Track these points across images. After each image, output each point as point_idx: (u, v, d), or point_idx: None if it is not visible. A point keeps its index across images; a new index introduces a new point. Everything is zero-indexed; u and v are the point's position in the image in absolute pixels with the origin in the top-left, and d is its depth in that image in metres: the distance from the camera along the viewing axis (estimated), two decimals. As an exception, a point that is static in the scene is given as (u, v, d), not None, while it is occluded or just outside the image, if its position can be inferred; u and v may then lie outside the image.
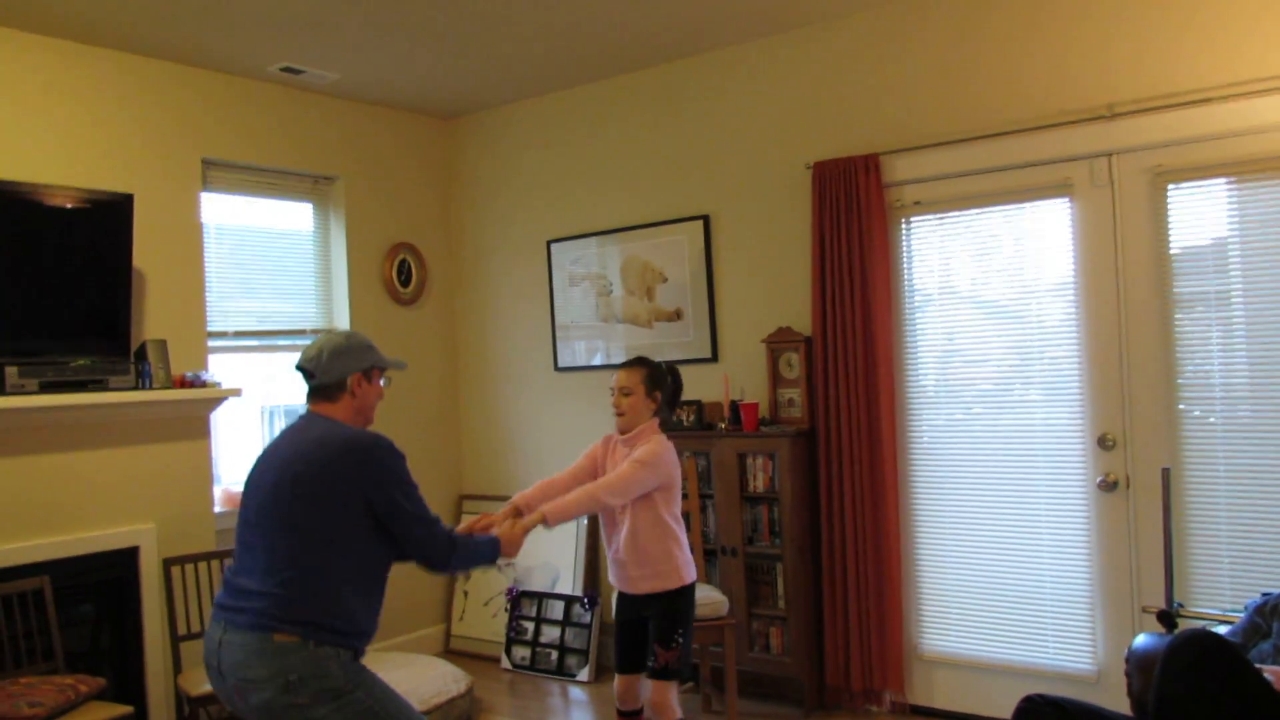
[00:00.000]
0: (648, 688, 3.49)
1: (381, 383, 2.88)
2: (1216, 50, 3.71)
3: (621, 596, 3.57)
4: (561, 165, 5.57)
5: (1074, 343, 4.04)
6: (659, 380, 3.54)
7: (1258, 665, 2.35)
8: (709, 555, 4.80)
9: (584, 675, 5.18)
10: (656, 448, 3.42)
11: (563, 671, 5.26)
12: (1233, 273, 3.73)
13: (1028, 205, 4.14)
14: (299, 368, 2.80)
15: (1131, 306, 3.91)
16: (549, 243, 5.60)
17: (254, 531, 2.63)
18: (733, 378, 4.88)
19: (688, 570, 3.49)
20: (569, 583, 5.38)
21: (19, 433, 3.96)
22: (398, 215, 5.76)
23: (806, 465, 4.58)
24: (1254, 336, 3.70)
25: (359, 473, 2.58)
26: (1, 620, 3.76)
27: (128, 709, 3.61)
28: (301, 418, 2.79)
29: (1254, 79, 3.63)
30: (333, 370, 2.74)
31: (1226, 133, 3.69)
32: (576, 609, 5.32)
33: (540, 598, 5.45)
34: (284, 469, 2.61)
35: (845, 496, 4.43)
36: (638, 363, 3.57)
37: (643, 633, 3.51)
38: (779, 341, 4.66)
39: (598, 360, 5.45)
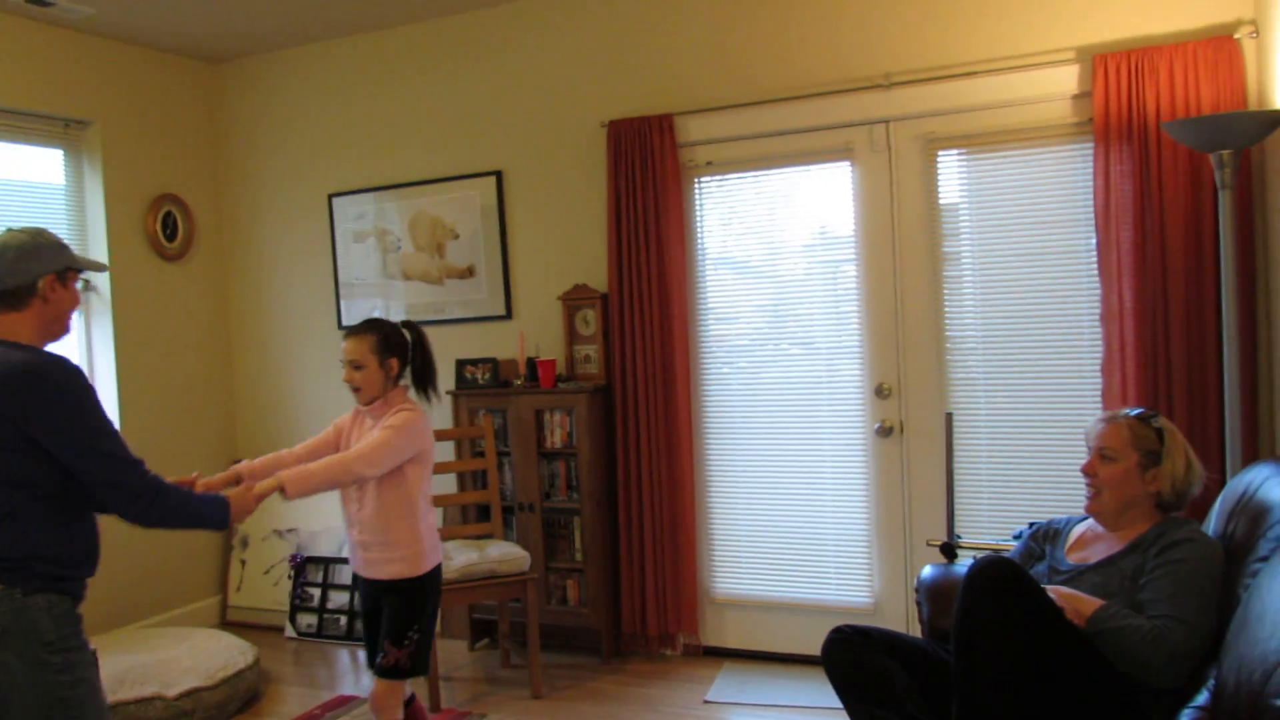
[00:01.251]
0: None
1: (78, 286, 2.48)
2: (985, 27, 4.03)
3: (362, 583, 3.27)
4: (345, 116, 5.36)
5: (854, 298, 4.32)
6: (393, 345, 3.19)
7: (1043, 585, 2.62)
8: (506, 511, 4.82)
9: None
10: (412, 415, 3.12)
11: (352, 637, 5.14)
12: (987, 233, 4.09)
13: (813, 167, 4.37)
14: None
15: (906, 264, 4.21)
16: (330, 196, 5.38)
17: None
18: (528, 335, 4.88)
19: (433, 555, 3.21)
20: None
21: None
22: (162, 164, 5.36)
23: (603, 420, 4.67)
24: (999, 291, 4.07)
25: (21, 401, 2.21)
26: None
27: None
28: None
29: (1013, 55, 3.98)
30: (20, 272, 2.33)
31: (989, 104, 4.03)
32: (367, 573, 5.19)
33: (327, 563, 5.29)
34: None
35: (641, 450, 4.55)
36: (366, 328, 3.19)
37: (389, 626, 3.16)
38: (575, 298, 4.71)
39: (379, 315, 5.29)
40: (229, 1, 4.70)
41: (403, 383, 3.25)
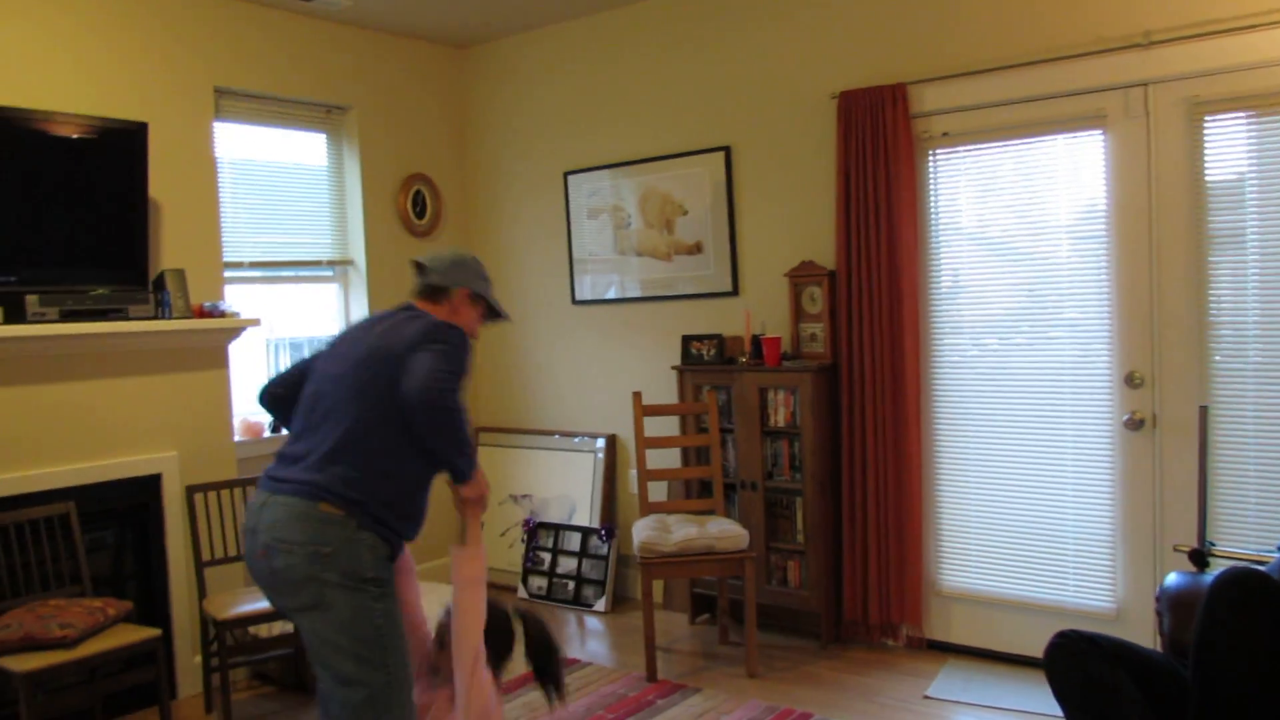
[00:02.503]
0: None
1: (483, 316, 2.89)
2: (1261, -23, 3.60)
3: None
4: (579, 95, 5.48)
5: (1103, 279, 3.98)
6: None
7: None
8: (728, 489, 4.81)
9: (600, 605, 5.22)
10: None
11: (579, 602, 5.30)
12: (1269, 209, 3.66)
13: (1059, 137, 4.05)
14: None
15: (1163, 242, 3.84)
16: (566, 174, 5.52)
17: (323, 405, 2.60)
18: (754, 312, 4.83)
19: None
20: (586, 514, 5.40)
21: (41, 361, 3.95)
22: (412, 146, 5.68)
23: (828, 400, 4.56)
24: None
25: (426, 338, 2.55)
26: (30, 544, 3.79)
27: (156, 631, 3.65)
28: (401, 307, 2.79)
29: (1299, 7, 3.53)
30: (448, 275, 2.80)
31: (1266, 62, 3.59)
32: (594, 540, 5.34)
33: (557, 529, 5.48)
34: (376, 344, 2.59)
35: (867, 431, 4.41)
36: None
37: None
38: (802, 275, 4.61)
39: (613, 294, 5.40)
40: None
41: None
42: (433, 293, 2.80)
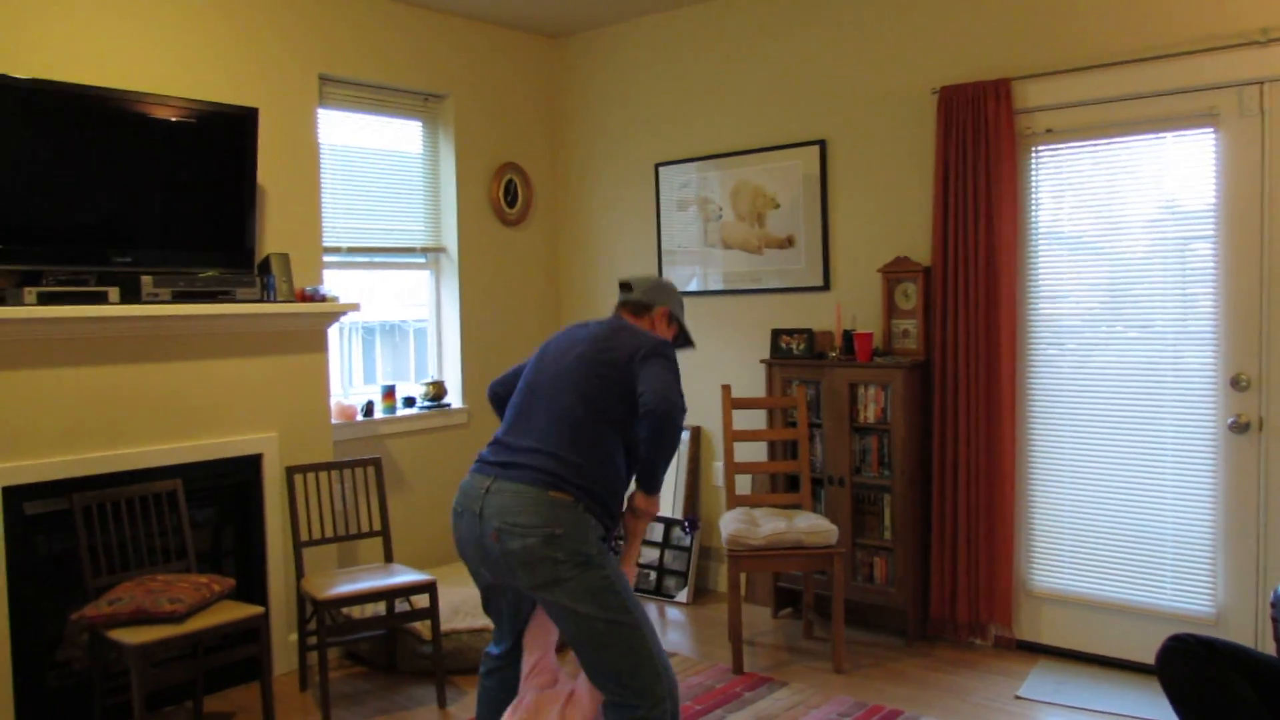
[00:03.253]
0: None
1: (674, 340, 3.12)
2: (1389, -27, 3.51)
3: None
4: (671, 87, 5.50)
5: (1210, 279, 3.92)
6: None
7: None
8: (815, 484, 4.81)
9: (682, 596, 5.25)
10: None
11: (661, 592, 5.33)
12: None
13: (1168, 135, 3.99)
14: (625, 282, 3.13)
15: (1275, 243, 3.77)
16: (657, 166, 5.55)
17: (542, 398, 2.82)
18: (845, 307, 4.82)
19: None
20: (669, 506, 5.43)
21: (154, 340, 4.06)
22: (505, 135, 5.74)
23: (920, 397, 4.53)
24: None
25: (648, 352, 2.78)
26: (140, 520, 3.90)
27: (259, 609, 3.73)
28: (616, 316, 3.08)
29: None
30: (651, 294, 3.09)
31: (1394, 61, 3.51)
32: (676, 532, 5.37)
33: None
34: (594, 346, 2.83)
35: (959, 430, 4.38)
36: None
37: None
38: (896, 271, 4.59)
39: (702, 286, 5.41)
40: None
41: None
42: (636, 309, 3.09)
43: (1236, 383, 3.87)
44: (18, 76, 3.69)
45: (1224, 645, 2.63)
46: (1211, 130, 3.89)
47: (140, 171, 4.01)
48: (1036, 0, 4.25)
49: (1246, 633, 3.85)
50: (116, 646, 3.42)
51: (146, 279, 3.94)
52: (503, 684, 2.99)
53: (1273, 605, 2.94)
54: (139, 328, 3.98)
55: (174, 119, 4.08)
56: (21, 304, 3.62)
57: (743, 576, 5.19)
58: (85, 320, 3.77)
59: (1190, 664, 2.61)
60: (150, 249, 4.05)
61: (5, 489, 3.64)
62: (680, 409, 2.68)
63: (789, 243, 5.05)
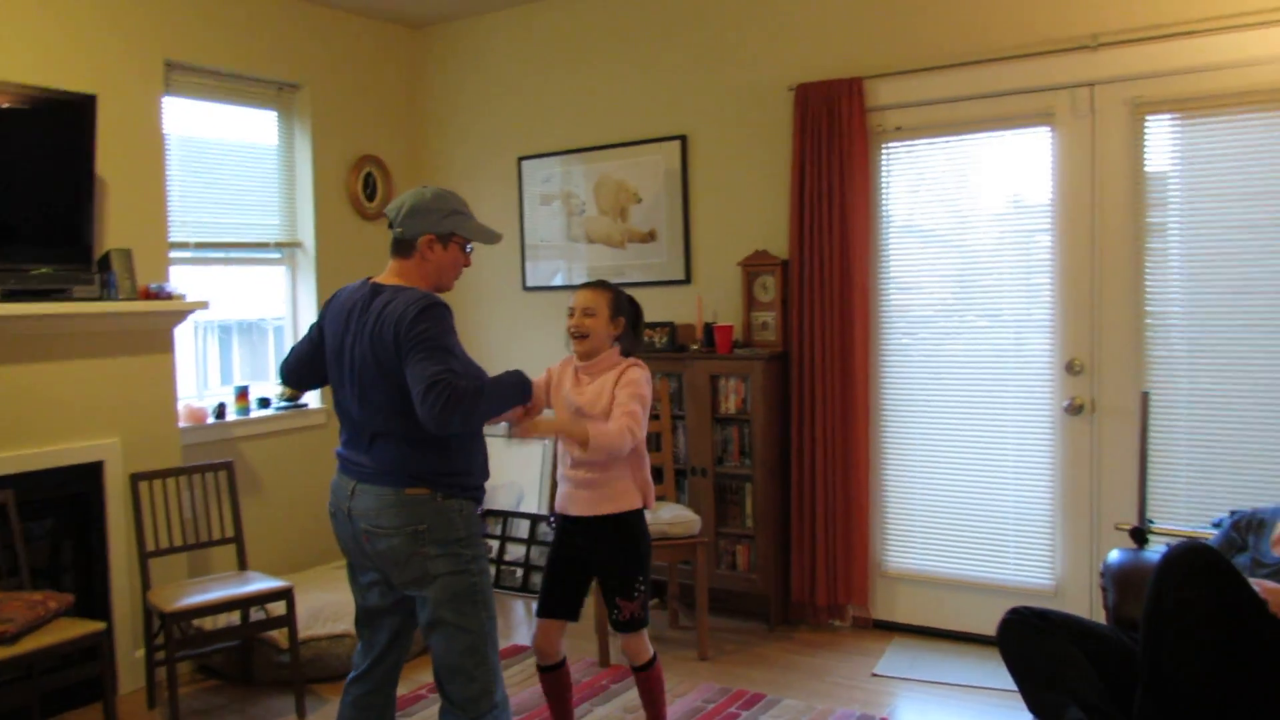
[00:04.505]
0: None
1: (467, 249, 2.79)
2: (1201, -17, 3.76)
3: (566, 522, 3.27)
4: (535, 80, 5.47)
5: (1047, 269, 4.13)
6: (622, 307, 3.26)
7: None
8: (679, 475, 4.86)
9: (550, 592, 5.23)
10: (643, 369, 3.19)
11: (527, 589, 5.31)
12: (1199, 204, 3.83)
13: (1009, 133, 4.19)
14: (387, 213, 2.77)
15: (1105, 235, 4.00)
16: (520, 159, 5.52)
17: (352, 398, 2.69)
18: (706, 300, 4.89)
19: (644, 497, 3.23)
20: (534, 502, 5.41)
21: (-20, 341, 3.83)
22: (364, 127, 5.61)
23: (779, 387, 4.64)
24: (1212, 264, 3.82)
25: (403, 332, 2.54)
26: (-32, 532, 3.67)
27: (100, 625, 3.54)
28: (362, 285, 2.74)
29: (1235, 13, 3.69)
30: (409, 226, 2.69)
31: (1205, 66, 3.76)
32: (542, 528, 5.35)
33: (505, 516, 5.47)
34: (363, 352, 2.62)
35: (816, 418, 4.50)
36: (600, 285, 3.27)
37: (583, 572, 3.28)
38: (755, 264, 4.68)
39: (564, 280, 5.42)
40: None
41: (615, 345, 3.27)
42: (399, 247, 2.72)
43: (1071, 367, 4.09)
44: None
45: (1057, 616, 2.77)
46: (1048, 129, 4.10)
47: None
48: (889, 3, 4.39)
49: (1083, 602, 4.08)
50: (-58, 670, 3.21)
51: (-25, 276, 3.71)
52: (362, 707, 2.87)
53: (1102, 575, 3.12)
54: (-41, 329, 3.74)
55: (3, 105, 3.85)
56: None
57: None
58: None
59: (1025, 634, 2.75)
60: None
61: None
62: (447, 408, 2.42)
63: (651, 237, 5.10)
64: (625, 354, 3.27)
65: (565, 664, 3.35)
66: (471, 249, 2.82)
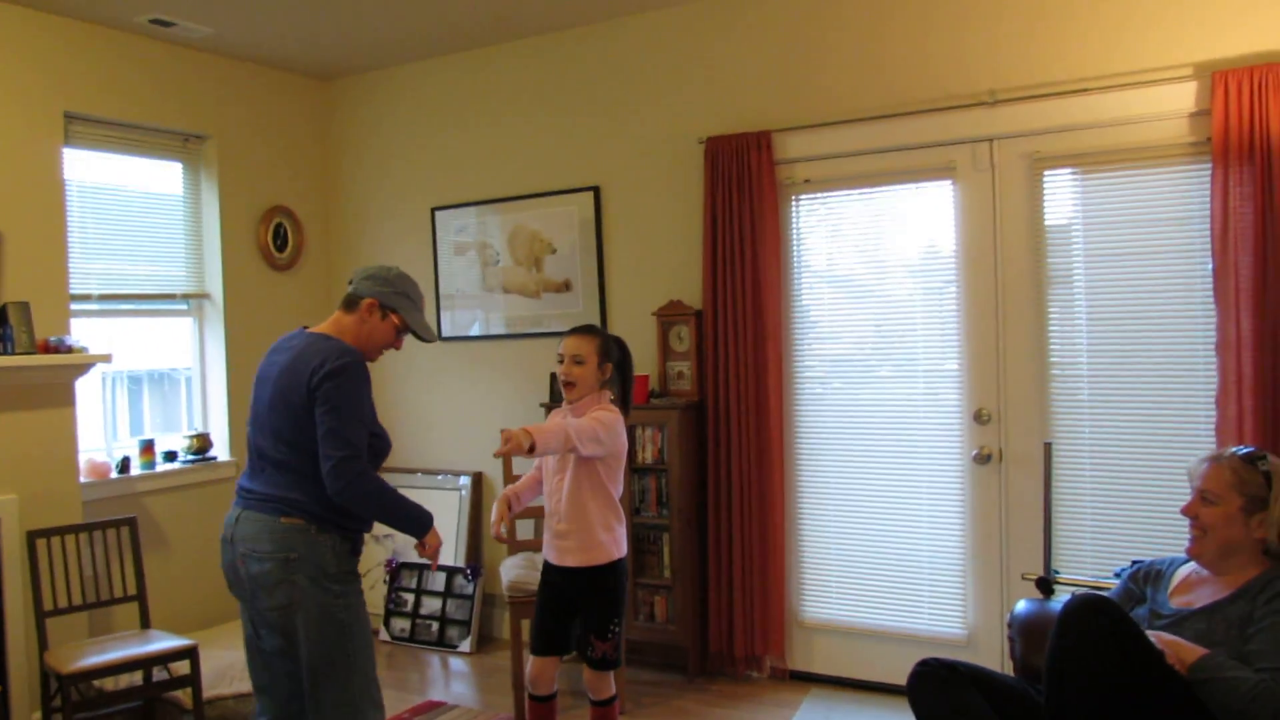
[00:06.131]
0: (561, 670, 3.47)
1: (400, 334, 2.99)
2: (1096, 41, 3.89)
3: (549, 570, 3.43)
4: (447, 132, 5.47)
5: (954, 320, 4.21)
6: (611, 352, 3.37)
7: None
8: (596, 526, 4.82)
9: (465, 646, 5.15)
10: (615, 415, 3.30)
11: (444, 643, 5.22)
12: (1098, 256, 3.94)
13: (914, 186, 4.28)
14: (354, 272, 3.04)
15: (1008, 286, 4.09)
16: (433, 210, 5.50)
17: (261, 430, 2.87)
18: (622, 350, 4.89)
19: (619, 547, 3.39)
20: (451, 554, 5.33)
21: None
22: (274, 178, 5.55)
23: (695, 437, 4.64)
24: (1112, 316, 3.92)
25: (319, 379, 2.74)
26: None
27: (-9, 690, 3.42)
28: (298, 333, 2.95)
29: (1125, 71, 3.83)
30: (361, 286, 2.94)
31: (1099, 122, 3.89)
32: (459, 580, 5.28)
33: (421, 569, 5.39)
34: (277, 383, 2.82)
35: (732, 467, 4.51)
36: (589, 330, 3.39)
37: (567, 614, 3.41)
38: (670, 314, 4.71)
39: (480, 330, 5.39)
40: (336, 22, 4.85)
41: (603, 390, 3.38)
42: (346, 302, 2.96)
43: (979, 417, 4.16)
44: None
45: (965, 667, 2.79)
46: (950, 182, 4.20)
47: None
48: (796, 60, 4.48)
49: (994, 651, 4.12)
50: None
51: None
52: None
53: (1009, 625, 3.16)
54: None
55: None
56: None
57: (524, 623, 5.14)
58: None
59: (935, 687, 2.76)
60: None
61: None
62: (350, 481, 2.69)
63: (566, 286, 5.10)
64: (614, 399, 3.42)
65: (556, 696, 3.50)
66: (402, 336, 3.01)
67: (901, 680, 4.19)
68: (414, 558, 5.40)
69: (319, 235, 5.82)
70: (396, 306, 2.95)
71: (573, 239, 5.07)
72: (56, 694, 3.79)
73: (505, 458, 3.39)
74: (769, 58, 4.55)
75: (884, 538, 4.38)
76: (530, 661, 3.45)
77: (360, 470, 2.71)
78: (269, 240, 5.46)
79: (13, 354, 4.00)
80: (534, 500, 3.58)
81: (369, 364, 2.90)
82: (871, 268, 4.39)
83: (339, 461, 2.68)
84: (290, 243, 5.60)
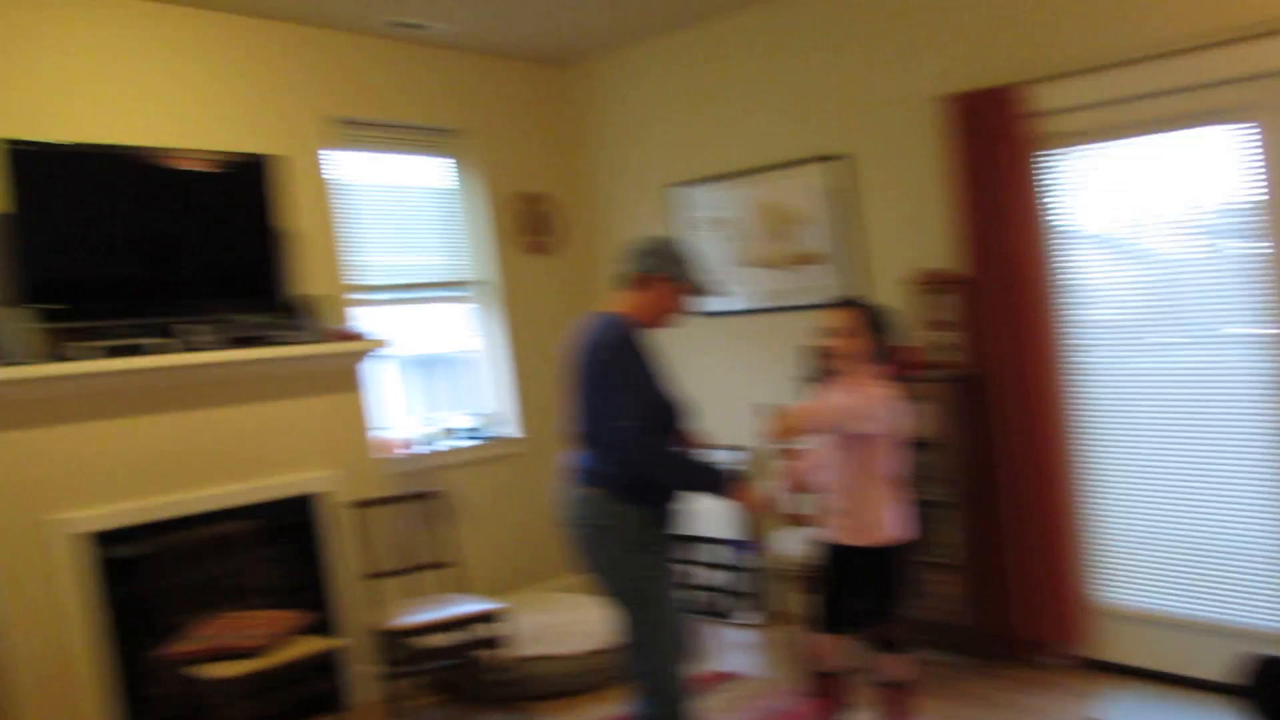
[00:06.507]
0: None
1: (687, 297, 3.12)
2: None
3: (830, 548, 3.41)
4: (685, 108, 5.49)
5: (1260, 278, 3.78)
6: (879, 324, 3.31)
7: None
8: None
9: (748, 619, 5.22)
10: (882, 391, 3.25)
11: (728, 615, 5.30)
12: None
13: (1203, 130, 3.83)
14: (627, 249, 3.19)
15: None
16: (676, 187, 5.54)
17: (573, 413, 3.14)
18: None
19: (900, 526, 3.34)
20: (722, 527, 5.38)
21: (205, 386, 4.19)
22: (528, 165, 5.78)
23: (969, 410, 4.43)
24: None
25: (599, 355, 3.01)
26: (213, 560, 4.01)
27: (336, 642, 3.85)
28: (592, 315, 3.20)
29: None
30: (634, 262, 3.10)
31: None
32: (738, 553, 5.33)
33: (706, 541, 5.47)
34: (575, 362, 3.11)
35: (1011, 441, 4.29)
36: (851, 302, 3.38)
37: (850, 592, 3.39)
38: (932, 283, 4.51)
39: (726, 307, 5.32)
40: (566, 9, 5.00)
41: (872, 365, 3.33)
42: (627, 280, 3.13)
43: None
44: (57, 142, 3.89)
45: None
46: (1256, 125, 3.71)
47: (174, 224, 4.17)
48: (1046, 4, 4.16)
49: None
50: (201, 682, 3.53)
51: (191, 328, 4.09)
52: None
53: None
54: (188, 376, 4.12)
55: (200, 171, 4.23)
56: (80, 359, 3.78)
57: (805, 600, 5.14)
58: (139, 372, 3.94)
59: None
60: (192, 299, 4.21)
61: (88, 535, 3.84)
62: (630, 452, 2.93)
63: (814, 258, 5.03)
64: (887, 371, 3.35)
65: (845, 673, 3.51)
66: (688, 299, 3.12)
67: (1211, 674, 3.90)
68: (700, 529, 5.45)
69: (572, 219, 6.00)
70: (672, 273, 3.08)
71: (819, 208, 4.96)
72: (384, 650, 4.18)
73: (779, 436, 3.39)
74: (1016, 4, 4.25)
75: (1200, 519, 3.99)
76: (816, 640, 3.47)
77: (638, 438, 2.90)
78: (524, 226, 5.71)
79: (308, 343, 4.41)
80: (813, 477, 3.54)
81: (664, 330, 3.12)
82: (1154, 225, 4.01)
83: (620, 431, 2.91)
84: (545, 227, 5.81)
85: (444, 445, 5.25)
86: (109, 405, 3.92)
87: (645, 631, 3.06)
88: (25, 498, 3.75)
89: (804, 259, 5.09)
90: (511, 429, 5.56)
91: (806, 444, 3.46)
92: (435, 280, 5.44)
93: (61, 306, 3.81)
